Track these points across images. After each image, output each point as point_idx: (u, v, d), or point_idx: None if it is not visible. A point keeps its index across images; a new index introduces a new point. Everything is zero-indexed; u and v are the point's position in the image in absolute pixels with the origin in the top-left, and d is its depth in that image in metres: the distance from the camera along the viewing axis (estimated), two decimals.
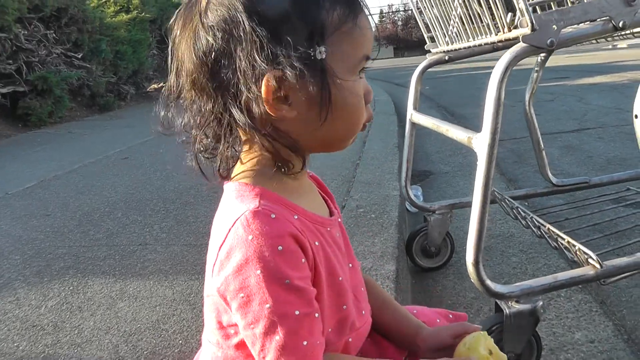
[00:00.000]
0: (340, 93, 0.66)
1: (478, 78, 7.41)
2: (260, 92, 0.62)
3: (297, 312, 0.63)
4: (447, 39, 1.64)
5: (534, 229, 1.53)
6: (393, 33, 51.40)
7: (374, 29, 0.71)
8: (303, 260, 0.64)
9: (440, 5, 1.58)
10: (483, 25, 1.31)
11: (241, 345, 0.70)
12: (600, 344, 1.41)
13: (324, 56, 0.63)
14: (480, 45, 1.39)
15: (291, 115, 0.65)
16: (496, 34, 1.23)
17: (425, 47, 1.83)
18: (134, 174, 3.19)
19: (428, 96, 6.96)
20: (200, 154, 0.73)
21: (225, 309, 0.68)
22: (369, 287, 0.86)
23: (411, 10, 1.83)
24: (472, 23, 1.39)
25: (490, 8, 1.19)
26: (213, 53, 0.63)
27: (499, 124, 1.11)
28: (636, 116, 1.20)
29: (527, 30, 1.06)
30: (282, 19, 0.62)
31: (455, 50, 1.64)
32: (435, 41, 1.76)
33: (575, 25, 1.10)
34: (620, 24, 1.09)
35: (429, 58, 1.80)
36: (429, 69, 1.81)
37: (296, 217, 0.67)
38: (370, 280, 0.92)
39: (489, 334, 1.07)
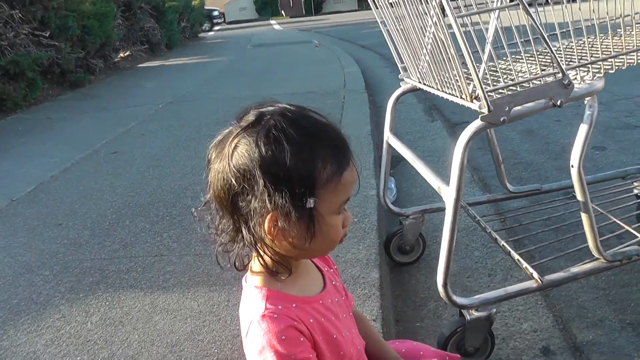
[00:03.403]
0: (322, 227, 0.93)
1: None
2: (264, 224, 0.90)
3: None
4: (418, 74, 1.91)
5: (492, 240, 1.89)
6: None
7: (357, 174, 0.97)
8: (302, 339, 0.95)
9: (410, 45, 1.80)
10: (448, 79, 1.59)
11: None
12: (542, 333, 1.79)
13: (312, 205, 0.90)
14: (446, 94, 1.69)
15: (285, 240, 0.93)
16: (460, 97, 1.54)
17: (399, 76, 2.10)
18: (128, 172, 3.43)
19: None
20: (219, 247, 1.00)
21: None
22: (357, 321, 1.19)
23: None
24: (438, 74, 1.67)
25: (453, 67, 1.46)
26: (234, 189, 0.90)
27: (462, 182, 1.44)
28: (572, 166, 1.53)
29: (485, 111, 1.37)
30: (286, 178, 0.87)
31: (426, 85, 1.92)
32: (407, 71, 2.03)
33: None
34: (558, 103, 1.40)
35: (403, 87, 2.09)
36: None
37: (294, 305, 0.98)
38: (359, 314, 1.25)
39: (453, 335, 1.49)
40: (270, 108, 0.92)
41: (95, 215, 2.75)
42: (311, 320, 0.98)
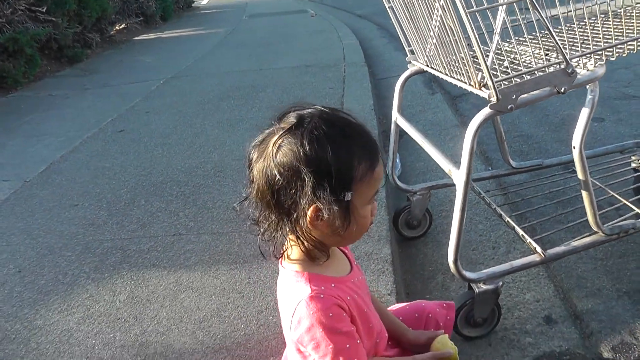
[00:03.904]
0: (356, 217, 1.05)
1: None
2: (307, 215, 1.01)
3: (347, 346, 1.08)
4: (425, 57, 1.97)
5: (497, 216, 1.99)
6: None
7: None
8: (344, 314, 1.08)
9: (418, 28, 1.84)
10: (456, 63, 1.67)
11: None
12: (544, 303, 1.90)
13: (349, 198, 1.02)
14: (454, 79, 1.77)
15: (323, 229, 1.05)
16: (468, 84, 1.62)
17: (406, 59, 2.17)
18: (137, 151, 3.50)
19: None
20: (261, 238, 1.12)
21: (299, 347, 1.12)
22: None
23: None
24: (446, 56, 1.75)
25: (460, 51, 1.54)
26: (277, 185, 1.01)
27: (471, 166, 1.53)
28: (574, 147, 1.62)
29: (493, 100, 1.45)
30: (328, 174, 0.99)
31: (434, 69, 1.99)
32: (415, 54, 2.10)
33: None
34: (562, 90, 1.49)
35: (410, 69, 2.16)
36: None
37: (333, 285, 1.11)
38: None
39: (463, 307, 1.63)
40: (309, 110, 1.03)
41: (110, 195, 2.84)
42: (348, 298, 1.11)
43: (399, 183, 2.29)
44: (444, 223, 2.46)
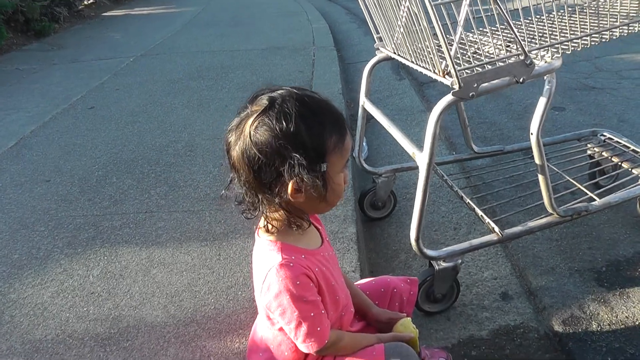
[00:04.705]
0: (332, 186, 1.14)
1: None
2: (288, 189, 1.09)
3: (312, 314, 1.17)
4: (393, 45, 2.05)
5: (458, 198, 2.09)
6: None
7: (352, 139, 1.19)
8: (311, 284, 1.17)
9: (386, 16, 1.90)
10: (421, 52, 1.74)
11: (281, 329, 1.24)
12: (501, 280, 2.02)
13: (325, 169, 1.11)
14: (420, 67, 1.84)
15: (302, 199, 1.12)
16: (432, 71, 1.69)
17: (374, 45, 2.23)
18: (107, 128, 3.50)
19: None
20: (245, 213, 1.20)
21: (269, 314, 1.21)
22: None
23: None
24: (413, 45, 1.82)
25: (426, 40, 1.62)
26: (258, 164, 1.08)
27: (435, 149, 1.61)
28: (532, 134, 1.72)
29: (456, 87, 1.53)
30: (304, 148, 1.07)
31: (400, 56, 2.07)
32: (383, 41, 2.17)
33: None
34: (521, 80, 1.58)
35: (378, 55, 2.23)
36: None
37: (303, 256, 1.19)
38: None
39: (424, 283, 1.73)
40: (279, 92, 1.11)
41: (81, 172, 2.85)
42: (316, 269, 1.20)
43: (365, 165, 2.38)
44: (408, 205, 2.55)
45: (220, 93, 4.12)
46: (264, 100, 1.09)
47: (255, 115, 1.08)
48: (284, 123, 1.05)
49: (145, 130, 3.42)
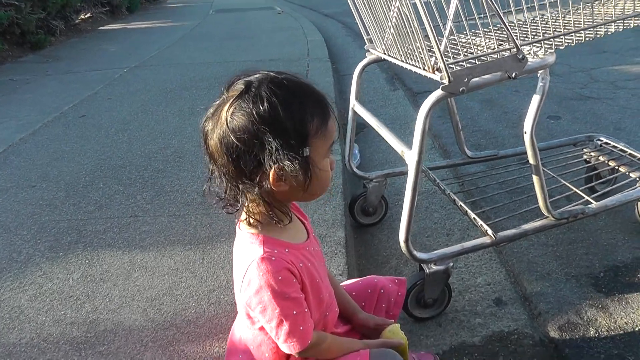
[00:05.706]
0: (316, 172, 1.07)
1: None
2: (269, 177, 1.03)
3: (294, 312, 1.09)
4: (383, 46, 2.01)
5: (450, 201, 2.03)
6: None
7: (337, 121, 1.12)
8: (294, 280, 1.10)
9: (376, 17, 1.87)
10: (411, 51, 1.70)
11: (262, 328, 1.17)
12: (495, 286, 1.95)
13: (307, 153, 1.04)
14: (410, 65, 1.80)
15: (285, 188, 1.06)
16: (422, 68, 1.65)
17: (364, 47, 2.19)
18: (97, 136, 3.45)
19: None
20: (225, 208, 1.14)
21: (249, 312, 1.14)
22: None
23: None
24: (403, 45, 1.78)
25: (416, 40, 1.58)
26: (237, 151, 1.02)
27: (424, 146, 1.56)
28: (525, 132, 1.67)
29: (445, 82, 1.48)
30: (284, 132, 1.00)
31: (390, 56, 2.03)
32: (373, 42, 2.13)
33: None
34: (513, 75, 1.53)
35: (368, 57, 2.19)
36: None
37: (287, 250, 1.12)
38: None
39: (414, 288, 1.66)
40: (255, 76, 1.04)
41: (68, 178, 2.80)
42: (300, 265, 1.13)
43: (355, 170, 2.32)
44: (399, 211, 2.45)
45: (212, 102, 4.06)
46: (239, 85, 1.04)
47: (231, 100, 1.03)
48: (261, 105, 0.99)
49: (135, 138, 3.36)
